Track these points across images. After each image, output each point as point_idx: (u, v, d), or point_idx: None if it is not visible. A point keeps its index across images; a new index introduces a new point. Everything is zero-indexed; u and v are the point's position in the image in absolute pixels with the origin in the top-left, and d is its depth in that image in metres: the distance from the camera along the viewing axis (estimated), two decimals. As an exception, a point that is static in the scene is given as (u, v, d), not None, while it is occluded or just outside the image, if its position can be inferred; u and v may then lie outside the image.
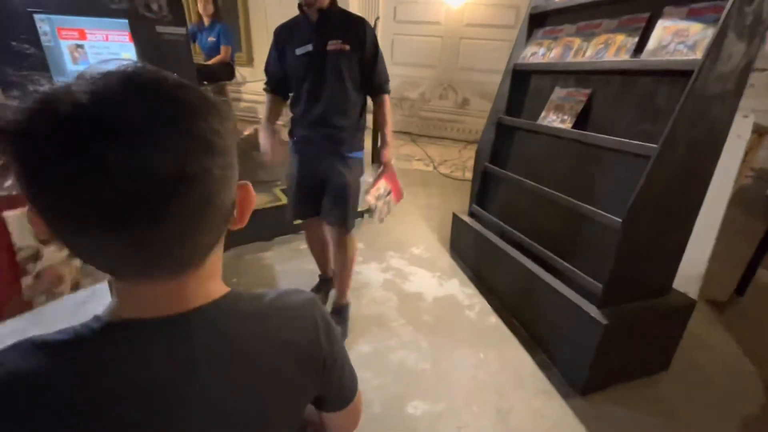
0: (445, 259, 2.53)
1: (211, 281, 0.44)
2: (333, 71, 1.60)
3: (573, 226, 1.69)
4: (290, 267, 2.36)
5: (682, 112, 1.23)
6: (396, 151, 4.76)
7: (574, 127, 1.74)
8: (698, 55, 1.25)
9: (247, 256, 2.44)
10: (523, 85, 2.12)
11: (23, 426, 0.34)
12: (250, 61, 5.60)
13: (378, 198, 1.76)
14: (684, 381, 1.68)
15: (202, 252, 0.41)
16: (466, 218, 2.41)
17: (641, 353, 1.63)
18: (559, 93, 1.89)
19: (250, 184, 0.45)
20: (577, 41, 1.81)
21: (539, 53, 2.02)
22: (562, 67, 1.85)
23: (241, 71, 5.27)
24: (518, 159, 2.12)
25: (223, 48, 3.84)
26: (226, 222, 0.43)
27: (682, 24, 1.36)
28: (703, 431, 1.48)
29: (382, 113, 1.75)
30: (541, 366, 1.72)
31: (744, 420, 1.54)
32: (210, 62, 3.83)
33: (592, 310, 1.49)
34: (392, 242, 2.68)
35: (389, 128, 1.75)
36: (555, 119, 1.86)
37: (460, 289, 2.22)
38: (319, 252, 2.05)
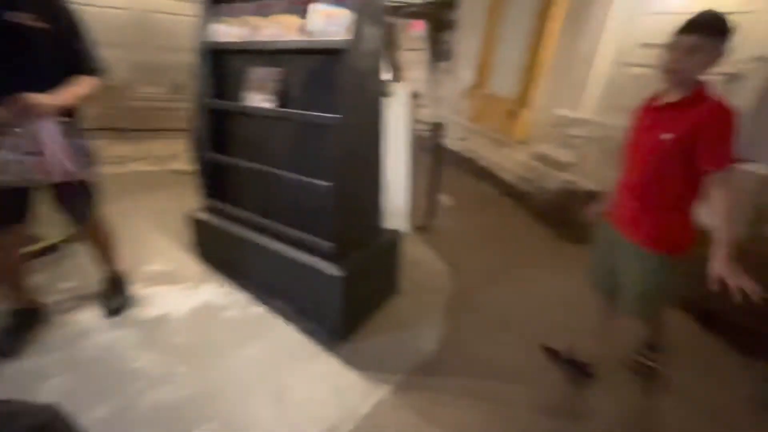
0: (192, 266, 2.27)
1: None
2: (26, 52, 1.36)
3: (299, 198, 1.80)
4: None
5: (345, 85, 1.46)
6: (103, 151, 3.81)
7: (280, 105, 1.80)
8: (348, 36, 1.49)
9: None
10: (221, 65, 2.01)
11: None
12: None
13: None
14: (409, 294, 2.17)
15: None
16: (203, 215, 2.20)
17: (377, 287, 1.99)
18: (256, 73, 1.90)
19: None
20: (257, 20, 1.83)
21: (226, 31, 1.95)
22: (251, 47, 1.85)
23: None
24: (238, 142, 2.05)
25: None
26: None
27: (332, 9, 1.57)
28: (426, 319, 1.99)
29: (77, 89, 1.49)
30: (309, 333, 1.83)
31: (447, 301, 2.16)
32: None
33: (330, 268, 1.67)
34: (118, 267, 2.16)
35: (70, 92, 1.45)
36: (260, 99, 1.87)
37: (215, 292, 2.05)
38: (12, 276, 1.61)
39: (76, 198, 1.61)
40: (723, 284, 1.12)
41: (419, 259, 2.54)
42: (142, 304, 1.93)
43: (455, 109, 5.17)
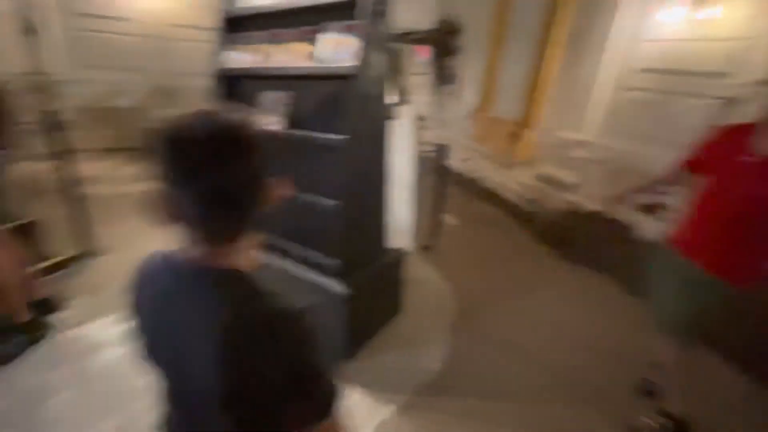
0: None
1: None
2: None
3: (309, 217, 1.84)
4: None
5: (352, 108, 1.52)
6: (113, 172, 3.92)
7: (289, 127, 1.87)
8: (356, 62, 1.56)
9: None
10: (234, 89, 2.11)
11: None
12: None
13: None
14: (413, 313, 2.17)
15: None
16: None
17: (381, 306, 1.99)
18: (267, 97, 1.98)
19: None
20: (270, 47, 1.93)
21: (240, 57, 2.05)
22: (264, 72, 1.94)
23: None
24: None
25: None
26: None
27: (341, 37, 1.66)
28: (429, 338, 1.99)
29: None
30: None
31: (450, 320, 2.16)
32: None
33: (336, 285, 1.69)
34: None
35: None
36: (270, 122, 1.95)
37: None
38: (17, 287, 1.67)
39: None
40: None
41: (423, 279, 2.55)
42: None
43: (460, 131, 5.26)
